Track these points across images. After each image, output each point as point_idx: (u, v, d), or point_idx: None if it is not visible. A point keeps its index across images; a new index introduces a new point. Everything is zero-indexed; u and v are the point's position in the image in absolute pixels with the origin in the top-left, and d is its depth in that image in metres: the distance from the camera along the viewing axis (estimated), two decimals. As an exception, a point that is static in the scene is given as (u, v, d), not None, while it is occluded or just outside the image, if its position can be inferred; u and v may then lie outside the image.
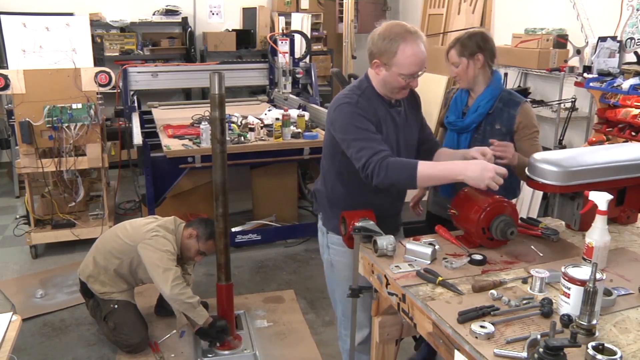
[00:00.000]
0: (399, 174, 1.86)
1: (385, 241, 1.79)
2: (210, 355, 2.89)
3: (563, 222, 2.06)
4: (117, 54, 6.37)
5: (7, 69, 3.88)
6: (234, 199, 3.67)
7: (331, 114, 2.03)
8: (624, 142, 3.80)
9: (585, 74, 4.15)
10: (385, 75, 1.97)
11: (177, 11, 6.64)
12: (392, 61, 1.92)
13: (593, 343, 1.24)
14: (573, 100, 4.34)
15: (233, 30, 6.85)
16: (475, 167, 1.80)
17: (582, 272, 1.42)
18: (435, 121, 2.92)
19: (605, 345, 1.22)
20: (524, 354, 1.27)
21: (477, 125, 2.31)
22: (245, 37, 6.80)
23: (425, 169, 1.85)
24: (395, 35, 1.90)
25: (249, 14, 6.97)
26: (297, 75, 4.82)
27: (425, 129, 2.26)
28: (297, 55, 5.01)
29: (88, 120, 3.96)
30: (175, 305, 2.82)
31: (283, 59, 4.69)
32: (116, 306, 2.99)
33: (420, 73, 1.96)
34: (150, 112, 5.03)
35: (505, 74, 5.25)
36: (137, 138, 3.98)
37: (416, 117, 2.20)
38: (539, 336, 1.27)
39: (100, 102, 4.11)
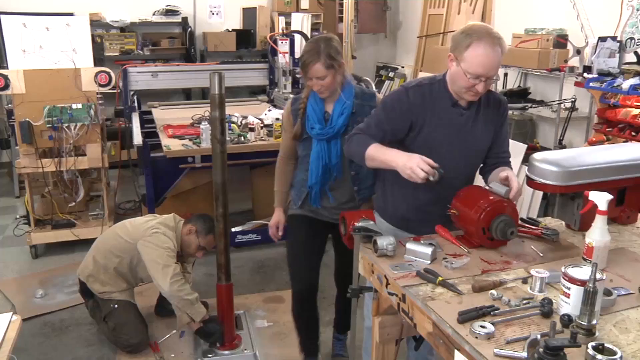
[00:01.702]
0: (355, 148, 2.06)
1: (385, 241, 1.79)
2: (210, 355, 2.89)
3: (563, 222, 2.06)
4: (117, 54, 6.36)
5: (7, 69, 3.88)
6: (234, 199, 3.67)
7: None
8: (624, 142, 3.80)
9: (585, 74, 4.15)
10: (454, 70, 1.94)
11: (177, 11, 6.64)
12: (462, 56, 1.89)
13: (593, 343, 1.23)
14: (573, 100, 4.34)
15: (233, 30, 6.85)
16: (402, 157, 1.89)
17: (582, 272, 1.42)
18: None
19: (605, 345, 1.22)
20: (524, 354, 1.27)
21: (345, 128, 2.33)
22: (245, 37, 6.80)
23: (372, 151, 1.99)
24: (474, 32, 1.88)
25: (249, 14, 6.97)
26: (297, 75, 4.82)
27: (501, 145, 2.13)
28: (297, 55, 5.00)
29: (88, 120, 3.96)
30: (173, 302, 2.82)
31: (283, 59, 4.70)
32: (116, 306, 2.99)
33: (488, 79, 1.89)
34: (150, 112, 5.03)
35: (505, 74, 5.25)
36: (137, 138, 3.98)
37: (491, 128, 2.08)
38: (539, 336, 1.27)
39: (100, 102, 4.11)
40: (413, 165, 1.82)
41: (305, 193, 2.49)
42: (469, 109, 2.04)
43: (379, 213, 2.23)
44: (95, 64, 4.19)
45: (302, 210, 2.56)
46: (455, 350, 1.39)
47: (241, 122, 4.34)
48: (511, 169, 2.07)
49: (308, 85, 2.39)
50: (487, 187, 1.94)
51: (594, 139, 4.11)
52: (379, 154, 1.97)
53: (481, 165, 2.18)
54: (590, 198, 1.66)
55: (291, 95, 5.10)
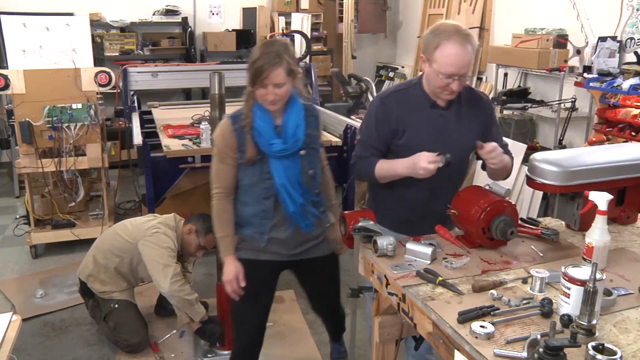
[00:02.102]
0: (364, 175, 2.13)
1: (385, 241, 1.79)
2: (210, 355, 2.89)
3: (563, 222, 2.06)
4: (117, 54, 6.36)
5: (7, 69, 3.88)
6: (234, 199, 3.67)
7: None
8: (624, 142, 3.80)
9: (585, 74, 4.15)
10: (428, 71, 1.98)
11: (177, 11, 6.64)
12: (433, 57, 1.91)
13: (593, 343, 1.24)
14: (573, 100, 4.34)
15: (233, 30, 6.85)
16: (408, 163, 1.94)
17: (582, 272, 1.42)
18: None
19: (605, 345, 1.22)
20: (524, 354, 1.27)
21: (303, 142, 2.11)
22: (245, 37, 6.80)
23: (379, 169, 2.05)
24: (441, 32, 1.90)
25: (249, 14, 6.97)
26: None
27: (495, 140, 2.04)
28: (297, 55, 5.01)
29: (88, 120, 3.96)
30: (173, 302, 2.82)
31: (283, 59, 4.69)
32: (116, 306, 2.99)
33: (461, 77, 1.90)
34: (150, 112, 5.02)
35: (505, 74, 5.25)
36: (137, 138, 3.98)
37: (476, 125, 2.07)
38: (539, 336, 1.27)
39: (100, 102, 4.11)
40: (421, 165, 1.88)
41: (270, 225, 2.13)
42: (448, 108, 2.05)
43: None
44: (95, 64, 4.19)
45: (252, 252, 2.19)
46: (455, 350, 1.39)
47: (241, 122, 4.34)
48: (511, 158, 2.10)
49: (253, 96, 2.05)
50: (487, 187, 1.94)
51: (594, 139, 4.11)
52: (387, 171, 2.03)
53: (481, 161, 2.14)
54: (590, 198, 1.66)
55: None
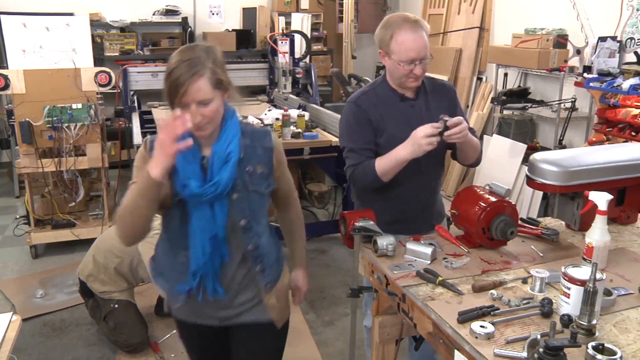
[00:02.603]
0: (366, 179, 2.04)
1: (385, 241, 1.79)
2: (210, 355, 2.88)
3: (563, 222, 2.06)
4: (117, 54, 6.36)
5: (7, 69, 3.88)
6: (234, 199, 3.67)
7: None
8: (624, 142, 3.80)
9: (585, 74, 4.14)
10: (389, 64, 2.03)
11: (177, 11, 6.64)
12: (389, 49, 1.98)
13: (593, 343, 1.24)
14: (573, 100, 4.33)
15: (233, 30, 6.85)
16: (408, 144, 1.91)
17: (582, 272, 1.42)
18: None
19: (605, 345, 1.22)
20: (524, 354, 1.27)
21: (233, 184, 1.60)
22: (245, 37, 6.80)
23: (380, 166, 1.99)
24: (391, 23, 1.98)
25: (249, 14, 6.97)
26: (297, 75, 4.82)
27: None
28: (297, 55, 5.00)
29: (88, 120, 3.96)
30: None
31: (283, 59, 4.69)
32: (116, 306, 2.99)
33: (422, 60, 1.96)
34: (150, 112, 5.02)
35: (505, 74, 5.25)
36: (137, 138, 3.98)
37: (442, 110, 2.02)
38: (539, 336, 1.27)
39: (100, 102, 4.11)
40: (422, 142, 1.86)
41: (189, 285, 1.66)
42: (417, 99, 2.10)
43: None
44: (95, 64, 4.19)
45: (184, 314, 1.80)
46: (455, 350, 1.39)
47: (241, 122, 4.34)
48: (479, 141, 2.13)
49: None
50: (487, 187, 1.94)
51: (594, 139, 4.11)
52: (389, 162, 1.98)
53: (452, 151, 2.17)
54: (590, 198, 1.66)
55: (292, 96, 5.12)
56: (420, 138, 1.87)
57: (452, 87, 2.27)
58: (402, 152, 1.94)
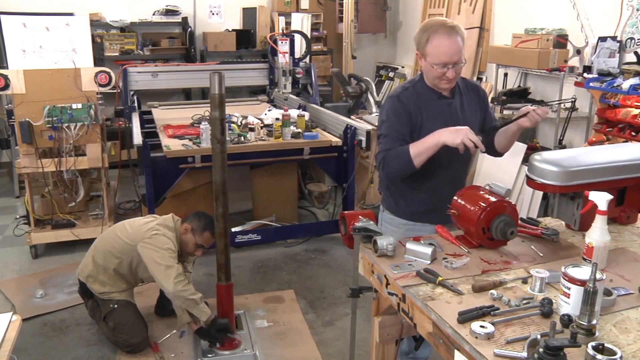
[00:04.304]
0: (397, 162, 2.10)
1: (385, 241, 1.79)
2: (210, 355, 2.89)
3: (563, 222, 2.06)
4: (117, 54, 6.36)
5: (7, 69, 3.88)
6: (234, 199, 3.67)
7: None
8: (624, 142, 3.80)
9: (585, 74, 4.14)
10: (424, 65, 2.15)
11: (177, 11, 6.64)
12: (425, 51, 2.10)
13: (593, 343, 1.24)
14: (573, 100, 4.33)
15: (233, 30, 6.85)
16: (449, 130, 2.00)
17: (582, 272, 1.42)
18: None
19: (605, 345, 1.22)
20: (524, 354, 1.27)
21: None
22: (245, 37, 6.80)
23: (415, 147, 2.07)
24: (428, 27, 2.09)
25: (249, 14, 6.97)
26: (297, 75, 4.83)
27: (493, 120, 2.35)
28: (297, 55, 5.01)
29: (88, 120, 3.96)
30: (178, 302, 2.82)
31: (283, 59, 4.70)
32: (116, 306, 2.99)
33: (454, 64, 2.07)
34: (150, 112, 5.03)
35: (505, 74, 5.25)
36: (137, 138, 3.98)
37: (477, 111, 2.27)
38: (539, 336, 1.27)
39: (100, 102, 4.11)
40: (463, 135, 1.95)
41: None
42: (453, 97, 2.23)
43: (389, 211, 2.35)
44: (95, 64, 4.19)
45: None
46: (455, 350, 1.39)
47: (241, 122, 4.35)
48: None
49: None
50: (487, 187, 1.94)
51: (594, 139, 4.11)
52: (423, 145, 2.06)
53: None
54: (590, 198, 1.66)
55: (292, 96, 5.13)
56: (465, 133, 1.95)
57: (483, 88, 2.40)
58: (440, 136, 2.01)
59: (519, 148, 4.48)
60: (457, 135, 1.97)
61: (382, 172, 2.18)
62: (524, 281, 1.64)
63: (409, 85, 2.24)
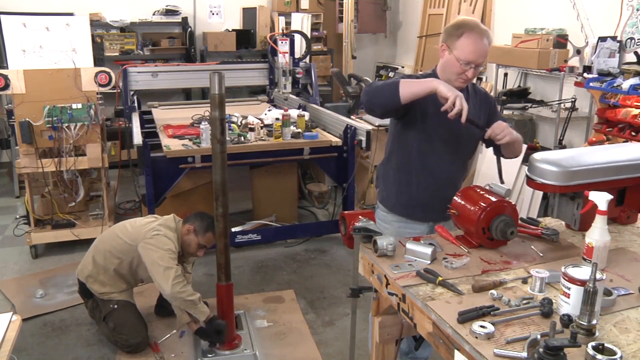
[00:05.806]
0: (383, 87, 2.08)
1: (385, 241, 1.79)
2: (210, 355, 2.89)
3: (563, 222, 2.06)
4: (117, 54, 6.37)
5: (7, 69, 3.88)
6: (234, 199, 3.67)
7: None
8: (624, 142, 3.80)
9: (585, 74, 4.14)
10: (447, 58, 2.15)
11: (177, 11, 6.64)
12: (454, 44, 2.11)
13: (593, 343, 1.23)
14: (573, 100, 4.34)
15: (233, 30, 6.85)
16: (445, 84, 1.98)
17: (582, 272, 1.42)
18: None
19: (605, 345, 1.22)
20: (524, 354, 1.27)
21: None
22: (245, 37, 6.80)
23: (405, 82, 2.05)
24: (465, 24, 2.13)
25: (249, 14, 6.97)
26: (297, 75, 4.83)
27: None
28: (297, 55, 5.01)
29: (88, 120, 3.96)
30: (176, 303, 2.82)
31: (283, 59, 4.70)
32: (116, 306, 2.99)
33: (477, 65, 2.10)
34: (150, 112, 5.03)
35: (505, 74, 5.25)
36: (137, 138, 3.98)
37: (483, 115, 2.28)
38: (539, 336, 1.27)
39: (100, 102, 4.11)
40: (458, 97, 1.93)
41: None
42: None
43: (382, 204, 2.38)
44: (95, 64, 4.19)
45: None
46: (455, 350, 1.39)
47: (241, 122, 4.35)
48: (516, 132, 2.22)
49: None
50: (487, 187, 1.94)
51: (594, 139, 4.11)
52: (415, 84, 2.03)
53: (491, 147, 2.35)
54: (590, 198, 1.66)
55: (292, 96, 5.12)
56: (461, 95, 1.93)
57: (492, 97, 2.41)
58: (436, 83, 1.99)
59: (519, 148, 4.48)
60: (452, 91, 1.95)
61: (365, 97, 2.14)
62: (524, 281, 1.64)
63: (423, 75, 2.26)
